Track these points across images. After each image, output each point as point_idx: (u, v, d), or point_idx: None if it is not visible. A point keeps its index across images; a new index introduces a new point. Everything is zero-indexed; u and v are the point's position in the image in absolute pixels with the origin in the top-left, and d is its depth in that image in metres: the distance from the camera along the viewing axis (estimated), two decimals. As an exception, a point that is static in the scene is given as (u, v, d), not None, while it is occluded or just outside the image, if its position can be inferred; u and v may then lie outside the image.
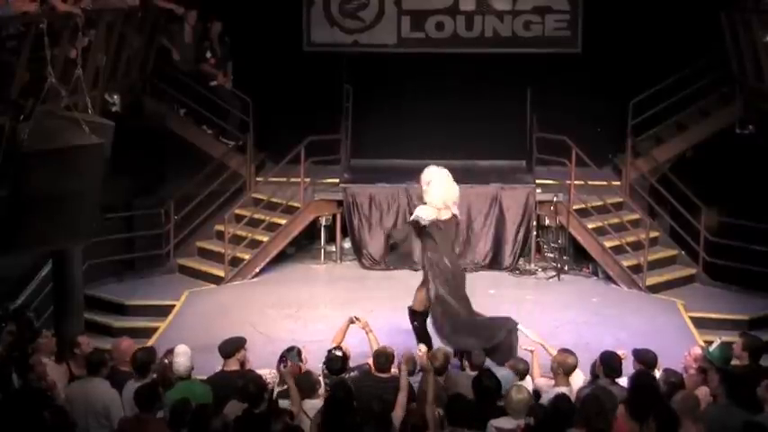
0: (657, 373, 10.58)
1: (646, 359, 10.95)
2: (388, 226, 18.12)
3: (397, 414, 9.52)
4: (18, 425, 8.99)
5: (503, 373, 10.71)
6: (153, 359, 10.92)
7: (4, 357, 11.20)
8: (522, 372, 11.22)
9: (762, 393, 9.58)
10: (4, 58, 11.94)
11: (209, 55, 18.88)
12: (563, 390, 10.26)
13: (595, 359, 10.77)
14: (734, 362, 11.14)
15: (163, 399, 9.97)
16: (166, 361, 10.98)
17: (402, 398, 9.93)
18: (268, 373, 10.95)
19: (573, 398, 9.78)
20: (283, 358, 11.01)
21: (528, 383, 10.96)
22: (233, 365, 11.05)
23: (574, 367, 10.82)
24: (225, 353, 11.20)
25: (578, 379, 10.95)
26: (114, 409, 10.07)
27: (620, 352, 10.87)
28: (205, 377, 11.08)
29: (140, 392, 9.80)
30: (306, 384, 10.38)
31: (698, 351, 11.24)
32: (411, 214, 14.97)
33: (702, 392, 10.07)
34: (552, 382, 10.83)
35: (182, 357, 10.72)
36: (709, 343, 11.60)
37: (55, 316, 14.77)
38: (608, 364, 10.56)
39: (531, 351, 11.84)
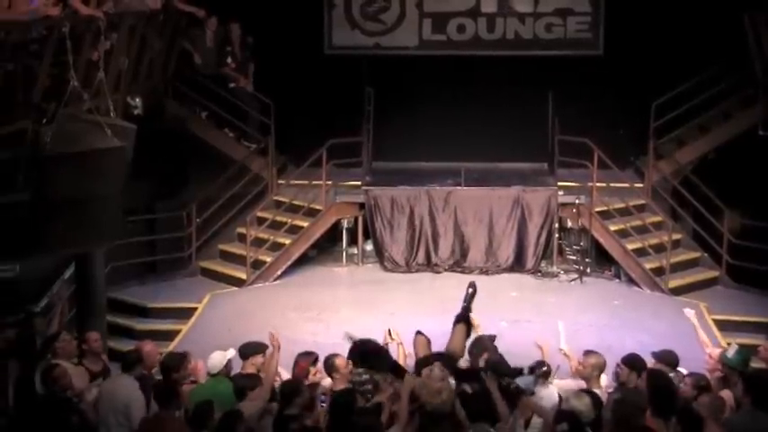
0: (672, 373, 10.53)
1: (668, 359, 10.94)
2: (409, 228, 18.14)
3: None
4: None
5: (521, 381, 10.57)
6: (180, 364, 10.92)
7: (25, 365, 11.22)
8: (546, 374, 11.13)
9: None
10: (27, 61, 11.99)
11: (229, 60, 18.91)
12: (596, 391, 10.25)
13: (617, 364, 10.69)
14: (759, 364, 11.10)
15: (184, 397, 10.01)
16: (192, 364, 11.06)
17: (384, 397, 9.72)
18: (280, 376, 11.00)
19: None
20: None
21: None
22: (248, 368, 11.05)
23: (605, 367, 10.79)
24: (242, 354, 11.26)
25: (602, 381, 10.91)
26: (134, 409, 10.05)
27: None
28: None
29: (158, 390, 9.86)
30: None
31: (717, 353, 11.16)
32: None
33: (726, 395, 10.05)
34: (579, 384, 10.74)
35: (215, 358, 10.80)
36: (729, 345, 11.52)
37: (77, 318, 14.83)
38: (633, 365, 10.53)
39: (541, 347, 11.63)
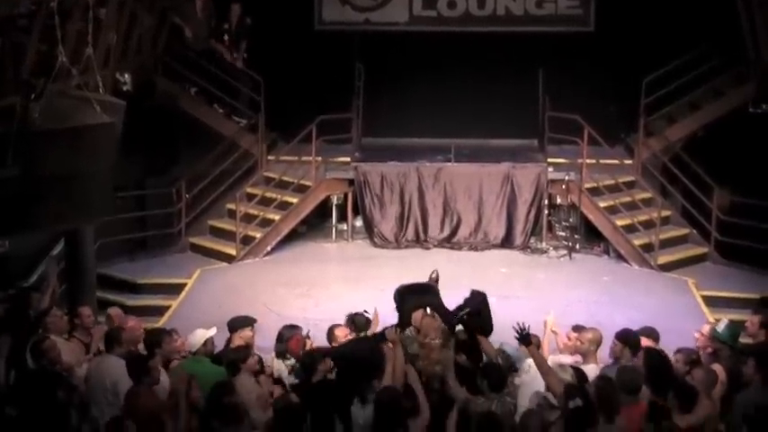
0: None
1: (653, 334, 11.03)
2: (399, 204, 18.16)
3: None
4: (33, 406, 9.06)
5: (511, 350, 10.65)
6: (162, 340, 10.96)
7: (16, 339, 11.23)
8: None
9: None
10: (16, 37, 11.94)
11: (225, 38, 18.89)
12: (592, 365, 10.33)
13: (613, 341, 10.75)
14: (746, 339, 11.17)
15: (157, 372, 10.07)
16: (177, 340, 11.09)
17: (389, 368, 9.80)
18: (271, 358, 11.04)
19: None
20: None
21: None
22: (237, 342, 11.12)
23: (601, 341, 10.85)
24: (230, 327, 11.34)
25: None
26: (121, 386, 10.09)
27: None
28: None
29: (129, 364, 9.92)
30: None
31: (707, 329, 11.22)
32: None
33: (717, 369, 10.13)
34: (576, 359, 10.80)
35: (194, 337, 10.85)
36: (717, 321, 11.58)
37: (68, 294, 14.82)
38: (626, 340, 10.59)
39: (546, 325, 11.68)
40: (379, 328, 11.24)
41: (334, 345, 11.06)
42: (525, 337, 9.69)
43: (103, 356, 10.65)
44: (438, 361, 9.64)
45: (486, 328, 11.10)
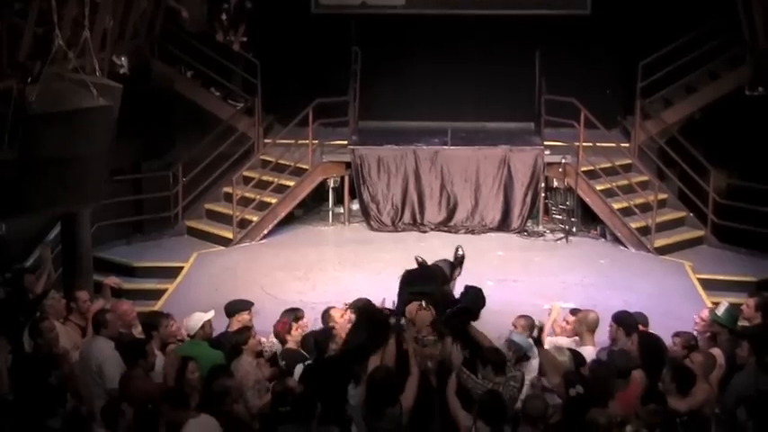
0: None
1: (643, 320, 11.07)
2: (396, 188, 18.16)
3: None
4: (29, 389, 9.08)
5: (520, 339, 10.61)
6: (159, 324, 10.98)
7: (15, 321, 11.25)
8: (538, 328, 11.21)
9: None
10: (12, 20, 11.91)
11: (224, 17, 18.87)
12: (589, 348, 10.36)
13: (610, 324, 10.78)
14: (742, 322, 11.19)
15: (153, 355, 10.13)
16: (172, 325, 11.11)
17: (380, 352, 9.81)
18: (266, 340, 11.05)
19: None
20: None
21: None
22: (234, 326, 11.16)
23: (598, 323, 10.87)
24: (227, 312, 11.37)
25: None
26: (107, 369, 10.13)
27: None
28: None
29: (123, 348, 10.06)
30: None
31: (706, 313, 11.24)
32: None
33: (716, 353, 10.16)
34: (573, 339, 10.83)
35: (192, 320, 10.86)
36: (716, 305, 11.60)
37: (64, 278, 14.81)
38: (621, 322, 10.62)
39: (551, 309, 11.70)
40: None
41: (331, 326, 11.09)
42: (537, 340, 9.77)
43: (91, 338, 10.67)
44: (431, 356, 9.47)
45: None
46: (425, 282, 11.31)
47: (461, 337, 10.10)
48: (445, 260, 12.14)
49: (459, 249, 12.62)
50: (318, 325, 11.48)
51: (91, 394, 9.96)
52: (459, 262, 12.48)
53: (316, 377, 9.46)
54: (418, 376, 9.17)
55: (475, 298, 10.85)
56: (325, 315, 11.31)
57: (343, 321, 11.07)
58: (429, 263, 12.19)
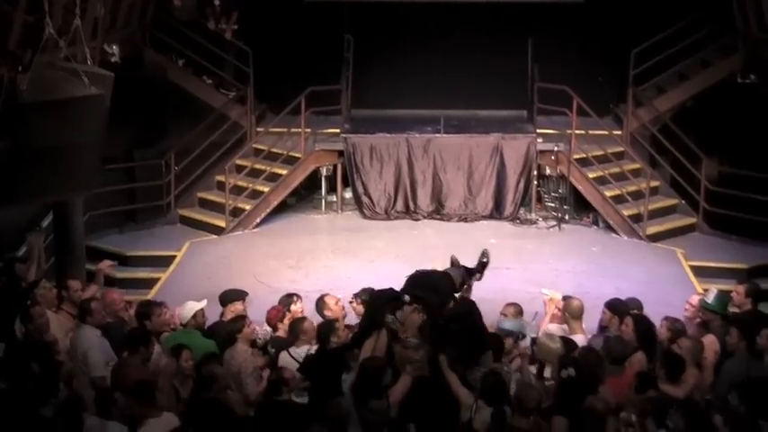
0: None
1: (638, 306, 11.11)
2: (388, 176, 18.15)
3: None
4: (18, 377, 9.09)
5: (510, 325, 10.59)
6: (152, 312, 11.00)
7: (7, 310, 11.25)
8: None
9: (762, 342, 9.67)
10: (2, 8, 11.88)
11: (216, 3, 18.85)
12: (579, 336, 10.40)
13: (603, 310, 10.79)
14: (733, 309, 11.23)
15: (153, 344, 10.23)
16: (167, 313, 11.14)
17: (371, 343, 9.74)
18: (259, 328, 11.07)
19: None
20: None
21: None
22: (228, 315, 11.20)
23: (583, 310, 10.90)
24: (222, 301, 11.41)
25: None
26: (91, 357, 10.17)
27: None
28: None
29: (129, 335, 10.25)
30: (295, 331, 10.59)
31: (696, 299, 11.27)
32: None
33: (709, 340, 10.18)
34: (563, 326, 10.86)
35: (184, 309, 10.89)
36: (706, 291, 11.64)
37: (56, 267, 14.80)
38: (615, 309, 10.65)
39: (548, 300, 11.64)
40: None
41: (326, 313, 11.10)
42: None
43: (79, 327, 10.68)
44: (409, 359, 9.15)
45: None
46: (427, 289, 10.91)
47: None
48: (462, 268, 11.74)
49: (485, 257, 11.70)
50: (311, 313, 11.52)
51: (80, 383, 9.99)
52: (480, 267, 11.89)
53: (317, 367, 9.47)
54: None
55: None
56: (320, 302, 11.36)
57: (337, 309, 11.12)
58: (459, 263, 11.75)
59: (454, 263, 11.50)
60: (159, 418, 8.62)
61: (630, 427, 8.27)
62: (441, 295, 10.31)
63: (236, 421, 8.42)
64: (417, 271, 10.87)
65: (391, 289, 10.19)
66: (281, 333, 10.98)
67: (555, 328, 10.90)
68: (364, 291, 11.43)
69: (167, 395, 9.39)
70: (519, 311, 11.01)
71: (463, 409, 8.73)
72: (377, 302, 10.16)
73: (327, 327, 10.37)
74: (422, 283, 10.54)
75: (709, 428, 8.08)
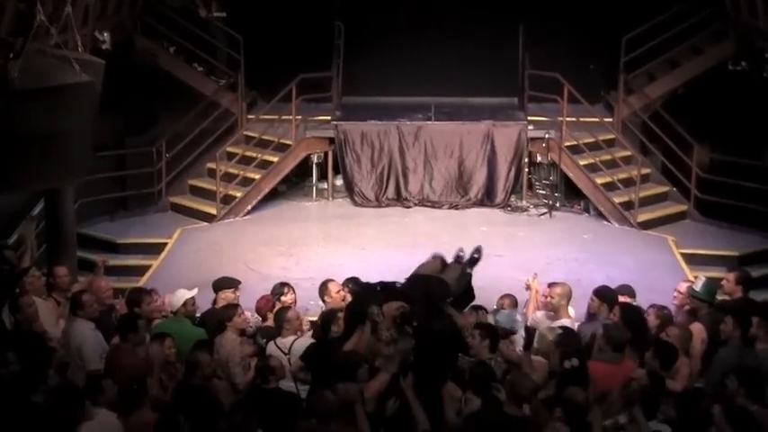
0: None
1: (630, 292, 11.13)
2: (379, 163, 18.15)
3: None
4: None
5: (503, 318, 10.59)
6: (142, 299, 10.99)
7: None
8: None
9: (755, 331, 9.67)
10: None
11: None
12: (567, 322, 10.40)
13: (591, 297, 10.80)
14: (723, 297, 11.25)
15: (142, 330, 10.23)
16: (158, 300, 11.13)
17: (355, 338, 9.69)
18: (250, 315, 11.07)
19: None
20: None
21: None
22: (219, 303, 11.21)
23: (571, 296, 10.91)
24: (214, 288, 11.40)
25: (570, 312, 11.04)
26: (85, 350, 10.18)
27: None
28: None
29: (119, 322, 10.29)
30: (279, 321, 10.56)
31: (685, 287, 11.26)
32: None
33: (697, 329, 10.19)
34: (550, 313, 10.86)
35: (175, 297, 10.88)
36: (696, 278, 11.65)
37: (47, 254, 14.78)
38: (604, 297, 10.66)
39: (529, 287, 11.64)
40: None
41: (326, 299, 11.09)
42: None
43: (72, 320, 10.66)
44: (379, 353, 9.10)
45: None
46: (420, 291, 10.77)
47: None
48: (463, 264, 11.66)
49: (477, 253, 11.41)
50: (302, 300, 11.53)
51: (75, 375, 9.97)
52: (470, 263, 11.79)
53: (319, 357, 9.46)
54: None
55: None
56: (323, 287, 11.30)
57: (337, 297, 11.07)
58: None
59: (459, 257, 11.39)
60: (94, 420, 8.25)
61: (622, 430, 8.20)
62: (430, 300, 10.31)
63: (221, 409, 8.37)
64: (418, 272, 10.90)
65: (381, 282, 10.21)
66: (270, 323, 10.97)
67: (541, 316, 10.93)
68: (349, 280, 11.44)
69: (157, 382, 9.41)
70: (514, 303, 11.05)
71: (452, 403, 8.70)
72: (361, 294, 10.18)
73: (329, 316, 10.29)
74: (418, 283, 10.58)
75: (704, 418, 8.07)
